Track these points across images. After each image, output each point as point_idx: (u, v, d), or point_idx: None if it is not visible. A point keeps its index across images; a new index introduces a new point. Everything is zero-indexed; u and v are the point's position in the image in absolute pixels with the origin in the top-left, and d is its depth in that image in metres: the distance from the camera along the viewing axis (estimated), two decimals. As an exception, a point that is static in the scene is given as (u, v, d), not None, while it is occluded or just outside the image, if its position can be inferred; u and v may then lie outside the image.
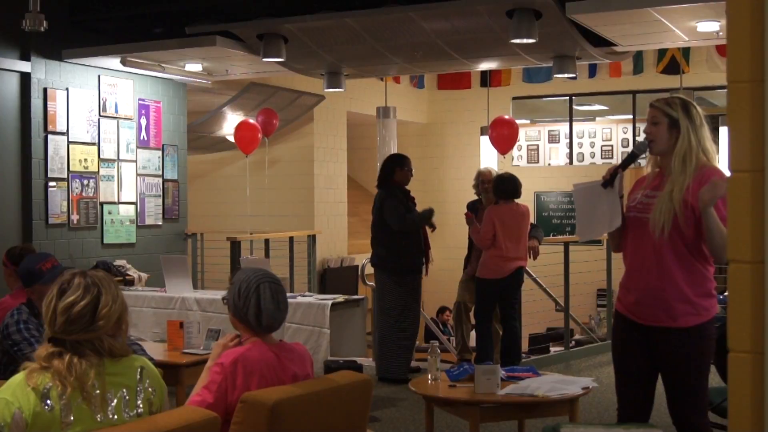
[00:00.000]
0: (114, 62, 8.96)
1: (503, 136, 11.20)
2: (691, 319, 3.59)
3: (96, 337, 2.60)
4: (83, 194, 8.96)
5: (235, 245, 9.21)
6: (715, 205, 3.45)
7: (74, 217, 8.87)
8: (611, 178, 3.74)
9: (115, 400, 2.60)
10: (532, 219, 7.68)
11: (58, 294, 2.62)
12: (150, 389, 2.69)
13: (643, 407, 3.78)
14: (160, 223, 9.89)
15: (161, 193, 9.88)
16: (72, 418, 2.50)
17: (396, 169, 7.39)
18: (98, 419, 2.55)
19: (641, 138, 3.74)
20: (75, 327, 2.58)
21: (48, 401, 2.48)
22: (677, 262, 3.59)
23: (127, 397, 2.63)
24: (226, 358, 3.09)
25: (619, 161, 4.03)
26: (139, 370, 2.69)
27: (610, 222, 3.76)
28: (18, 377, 2.54)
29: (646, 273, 3.65)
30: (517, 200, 7.42)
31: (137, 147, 9.57)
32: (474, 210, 7.79)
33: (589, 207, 3.89)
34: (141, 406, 2.65)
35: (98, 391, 2.55)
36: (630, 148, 13.12)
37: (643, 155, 3.91)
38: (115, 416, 2.58)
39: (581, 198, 3.97)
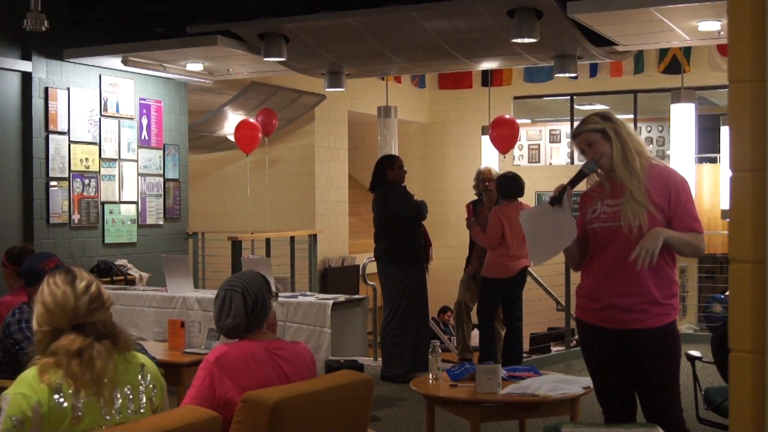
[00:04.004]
0: (115, 62, 8.96)
1: (503, 136, 11.19)
2: (661, 318, 3.63)
3: (108, 318, 2.66)
4: (84, 194, 8.96)
5: (236, 245, 9.22)
6: (683, 208, 3.57)
7: (75, 217, 8.87)
8: (559, 195, 3.72)
9: (120, 398, 2.61)
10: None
11: (68, 282, 2.65)
12: (151, 386, 2.72)
13: (629, 409, 3.78)
14: (161, 223, 9.89)
15: (162, 193, 9.88)
16: (81, 413, 2.52)
17: (387, 169, 7.39)
18: (106, 418, 2.56)
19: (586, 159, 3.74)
20: (97, 305, 2.64)
21: (60, 397, 2.49)
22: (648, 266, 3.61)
23: (131, 396, 2.64)
24: (211, 355, 3.21)
25: None
26: (140, 367, 2.71)
27: (564, 237, 3.73)
28: (30, 372, 2.54)
29: (616, 279, 3.65)
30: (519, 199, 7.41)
31: (138, 146, 9.57)
32: (474, 210, 7.76)
33: (537, 229, 3.85)
34: (144, 403, 2.67)
35: (107, 390, 2.57)
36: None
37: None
38: (120, 415, 2.60)
39: (528, 223, 3.92)
